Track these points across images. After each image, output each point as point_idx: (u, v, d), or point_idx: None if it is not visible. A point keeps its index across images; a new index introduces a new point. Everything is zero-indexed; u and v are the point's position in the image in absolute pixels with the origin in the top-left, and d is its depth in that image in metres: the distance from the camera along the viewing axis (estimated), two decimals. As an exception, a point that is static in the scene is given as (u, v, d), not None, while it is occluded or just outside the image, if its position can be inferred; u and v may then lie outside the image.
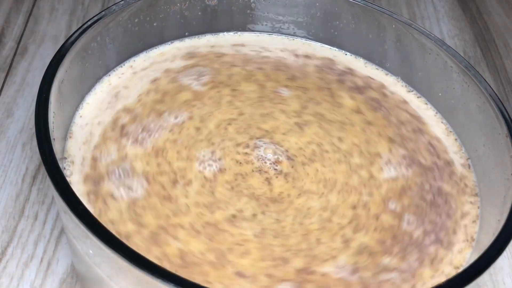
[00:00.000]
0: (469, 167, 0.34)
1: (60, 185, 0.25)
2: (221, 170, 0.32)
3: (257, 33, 0.40)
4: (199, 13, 0.39)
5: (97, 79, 0.35)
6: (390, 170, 0.33)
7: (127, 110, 0.34)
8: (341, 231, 0.30)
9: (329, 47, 0.40)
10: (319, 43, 0.40)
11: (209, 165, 0.32)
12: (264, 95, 0.36)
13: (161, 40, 0.38)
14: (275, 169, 0.32)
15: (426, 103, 0.37)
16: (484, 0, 0.63)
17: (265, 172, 0.32)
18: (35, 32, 0.53)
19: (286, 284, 0.28)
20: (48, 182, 0.41)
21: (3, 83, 0.48)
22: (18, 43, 0.52)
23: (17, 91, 0.48)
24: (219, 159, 0.32)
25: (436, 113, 0.37)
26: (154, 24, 0.37)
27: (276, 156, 0.33)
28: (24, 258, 0.38)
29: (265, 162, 0.33)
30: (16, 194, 0.41)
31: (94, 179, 0.31)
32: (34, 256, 0.38)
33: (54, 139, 0.28)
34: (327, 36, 0.40)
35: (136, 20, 0.36)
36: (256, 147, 0.33)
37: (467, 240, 0.31)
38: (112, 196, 0.30)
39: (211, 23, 0.39)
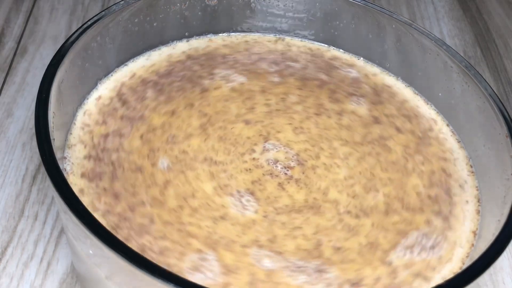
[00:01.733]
0: (470, 167, 0.34)
1: (60, 185, 0.25)
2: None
3: (257, 33, 0.40)
4: (199, 13, 0.39)
5: (97, 79, 0.35)
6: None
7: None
8: None
9: (329, 46, 0.40)
10: (319, 43, 0.40)
11: None
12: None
13: (161, 40, 0.38)
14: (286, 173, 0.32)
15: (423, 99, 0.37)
16: (484, 0, 0.63)
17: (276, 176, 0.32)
18: (35, 32, 0.53)
19: None
20: (48, 182, 0.41)
21: (3, 83, 0.48)
22: (18, 43, 0.52)
23: (17, 91, 0.47)
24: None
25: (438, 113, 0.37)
26: (154, 24, 0.37)
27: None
28: (24, 258, 0.38)
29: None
30: (16, 194, 0.41)
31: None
32: (34, 256, 0.38)
33: (54, 139, 0.28)
34: (327, 36, 0.40)
35: (136, 20, 0.36)
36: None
37: (467, 240, 0.31)
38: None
39: (211, 23, 0.39)
